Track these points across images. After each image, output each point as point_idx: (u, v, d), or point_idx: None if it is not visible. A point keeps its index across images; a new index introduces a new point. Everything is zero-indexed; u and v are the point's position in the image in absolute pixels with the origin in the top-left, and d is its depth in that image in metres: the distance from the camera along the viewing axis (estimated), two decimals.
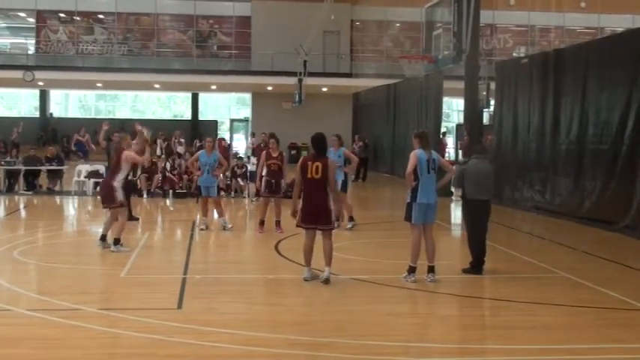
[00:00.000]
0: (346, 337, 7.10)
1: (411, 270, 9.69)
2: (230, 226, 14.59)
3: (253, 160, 22.85)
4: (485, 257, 10.56)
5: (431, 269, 9.71)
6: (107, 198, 11.97)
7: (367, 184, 28.40)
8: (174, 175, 21.52)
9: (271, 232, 13.89)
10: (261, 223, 14.24)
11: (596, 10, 42.13)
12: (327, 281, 9.34)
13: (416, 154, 9.67)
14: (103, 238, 12.00)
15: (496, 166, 20.88)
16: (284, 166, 14.38)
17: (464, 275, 10.27)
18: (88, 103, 48.80)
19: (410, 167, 9.63)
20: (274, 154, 14.27)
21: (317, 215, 9.42)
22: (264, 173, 14.44)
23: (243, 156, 26.19)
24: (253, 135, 31.52)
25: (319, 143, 9.62)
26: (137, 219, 15.72)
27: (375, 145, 33.86)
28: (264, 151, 14.65)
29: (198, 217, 15.47)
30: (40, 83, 40.08)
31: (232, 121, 47.02)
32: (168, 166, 21.75)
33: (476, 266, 10.40)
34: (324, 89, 40.44)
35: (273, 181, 14.18)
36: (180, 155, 23.86)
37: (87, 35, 41.95)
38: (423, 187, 9.62)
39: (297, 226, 9.70)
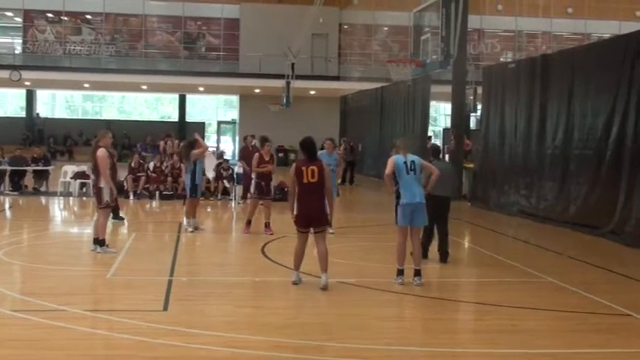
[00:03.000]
0: (332, 340, 7.10)
1: (399, 272, 9.71)
2: (203, 227, 14.74)
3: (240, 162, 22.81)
4: (449, 249, 11.37)
5: (417, 273, 9.72)
6: (96, 199, 11.95)
7: (354, 187, 28.42)
8: (160, 175, 21.36)
9: (259, 235, 13.88)
10: (248, 223, 14.27)
11: (583, 16, 42.47)
12: (325, 288, 9.24)
13: (392, 158, 9.86)
14: (96, 241, 11.89)
15: (482, 171, 21.08)
16: (274, 169, 14.57)
17: (449, 279, 10.30)
18: (75, 104, 48.63)
19: (388, 170, 9.77)
20: (267, 158, 14.32)
21: (312, 218, 9.39)
22: (253, 176, 14.48)
23: (229, 157, 26.13)
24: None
25: (310, 147, 9.58)
26: (122, 219, 15.69)
27: (362, 148, 33.88)
28: (257, 154, 14.64)
29: (185, 219, 15.39)
30: (27, 83, 39.89)
31: (220, 123, 46.98)
32: (151, 166, 21.65)
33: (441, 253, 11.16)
34: (312, 92, 40.48)
35: (263, 183, 14.24)
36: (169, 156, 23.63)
37: (74, 35, 41.77)
38: (405, 188, 9.70)
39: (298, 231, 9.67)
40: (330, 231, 14.12)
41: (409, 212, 9.71)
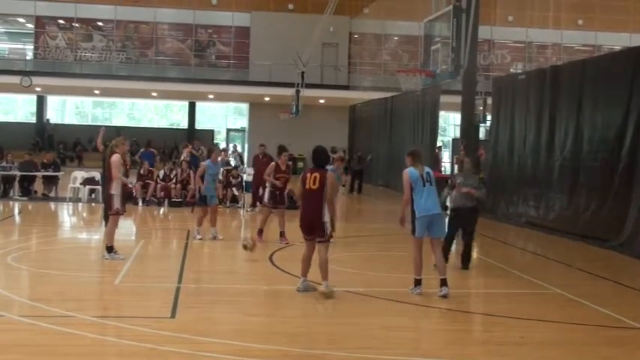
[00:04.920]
0: (339, 349, 7.09)
1: (416, 282, 9.68)
2: (221, 237, 14.57)
3: (250, 170, 22.85)
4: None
5: (443, 282, 9.57)
6: (107, 205, 11.97)
7: (362, 196, 28.41)
8: (169, 183, 21.39)
9: (267, 243, 13.86)
10: (260, 232, 14.25)
11: (594, 27, 42.47)
12: (327, 296, 9.21)
13: (407, 172, 9.74)
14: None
15: (491, 181, 21.02)
16: (289, 179, 14.61)
17: (457, 290, 10.26)
18: (85, 110, 48.85)
19: (407, 191, 9.69)
20: (283, 168, 14.34)
21: (311, 226, 9.45)
22: (268, 185, 14.45)
23: (238, 164, 26.11)
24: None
25: (316, 155, 9.64)
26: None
27: (370, 159, 33.82)
28: (273, 163, 14.61)
29: (194, 226, 15.39)
30: (38, 89, 40.08)
31: (229, 130, 47.07)
32: (161, 174, 21.67)
33: None
34: (322, 101, 40.53)
35: (277, 192, 14.24)
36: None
37: (85, 42, 42.02)
38: (421, 200, 9.62)
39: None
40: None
41: (426, 224, 9.65)
